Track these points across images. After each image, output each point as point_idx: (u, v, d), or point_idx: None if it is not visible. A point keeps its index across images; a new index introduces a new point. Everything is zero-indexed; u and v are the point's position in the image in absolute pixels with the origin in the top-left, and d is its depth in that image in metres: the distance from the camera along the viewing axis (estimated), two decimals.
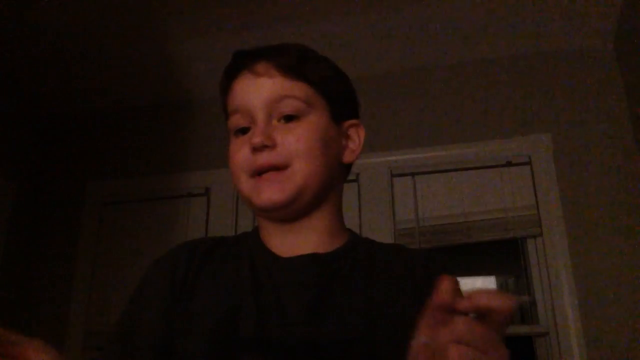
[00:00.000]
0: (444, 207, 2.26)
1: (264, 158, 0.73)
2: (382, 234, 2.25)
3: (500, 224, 2.19)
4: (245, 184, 0.76)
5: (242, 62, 0.79)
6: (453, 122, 2.37)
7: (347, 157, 0.81)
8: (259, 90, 0.76)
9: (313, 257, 0.75)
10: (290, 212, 0.75)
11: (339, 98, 0.81)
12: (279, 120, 0.75)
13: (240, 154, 0.76)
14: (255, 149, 0.73)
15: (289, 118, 0.75)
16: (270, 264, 0.76)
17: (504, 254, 2.28)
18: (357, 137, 0.82)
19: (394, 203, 2.30)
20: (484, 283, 2.45)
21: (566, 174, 2.18)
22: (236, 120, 0.78)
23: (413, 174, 2.33)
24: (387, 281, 0.75)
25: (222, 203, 2.48)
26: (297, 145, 0.73)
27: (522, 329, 2.14)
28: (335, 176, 0.79)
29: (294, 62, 0.77)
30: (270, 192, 0.73)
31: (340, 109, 0.81)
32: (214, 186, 2.51)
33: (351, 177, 2.60)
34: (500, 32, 2.31)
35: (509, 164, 2.25)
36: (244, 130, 0.77)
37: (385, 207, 2.29)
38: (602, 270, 2.02)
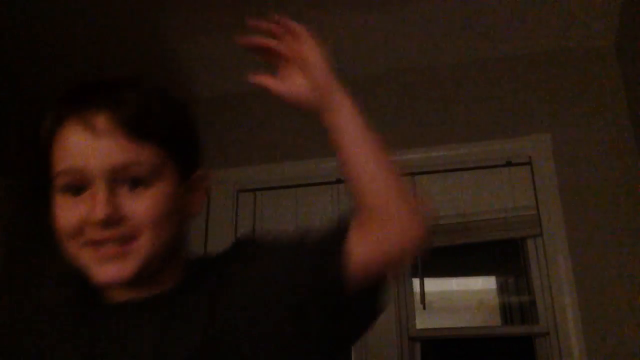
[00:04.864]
0: (444, 207, 2.25)
1: (109, 233, 0.65)
2: None
3: (500, 224, 2.19)
4: (80, 253, 0.67)
5: (76, 107, 0.68)
6: (453, 122, 2.37)
7: (195, 210, 0.75)
8: (99, 154, 0.65)
9: (144, 301, 0.71)
10: (133, 283, 0.69)
11: (187, 155, 0.74)
12: (123, 184, 0.66)
13: (73, 219, 0.66)
14: (98, 224, 0.64)
15: (135, 182, 0.67)
16: (99, 309, 0.72)
17: (504, 254, 2.28)
18: (202, 187, 0.77)
19: None
20: (484, 283, 2.45)
21: (566, 174, 2.18)
22: (67, 181, 0.67)
23: (413, 174, 2.33)
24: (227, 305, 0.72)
25: (222, 203, 2.48)
26: (146, 217, 0.66)
27: (522, 329, 2.14)
28: (182, 232, 0.74)
29: (138, 116, 0.67)
30: (113, 269, 0.65)
31: (189, 167, 0.74)
32: (214, 186, 2.51)
33: None
34: (500, 32, 2.31)
35: (509, 164, 2.25)
36: (75, 189, 0.67)
37: None
38: (602, 270, 2.02)
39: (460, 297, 2.43)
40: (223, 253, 0.79)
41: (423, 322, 2.17)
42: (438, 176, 2.30)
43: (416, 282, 2.20)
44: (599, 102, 2.25)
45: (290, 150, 2.49)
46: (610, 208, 2.09)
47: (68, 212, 0.67)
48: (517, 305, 2.25)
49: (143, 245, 0.67)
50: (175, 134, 0.72)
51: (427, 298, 2.16)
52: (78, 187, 0.67)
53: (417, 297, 2.17)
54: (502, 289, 2.36)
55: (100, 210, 0.64)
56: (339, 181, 2.36)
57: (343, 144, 0.74)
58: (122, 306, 0.70)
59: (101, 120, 0.66)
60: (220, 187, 2.50)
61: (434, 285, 2.29)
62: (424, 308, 2.15)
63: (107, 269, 0.66)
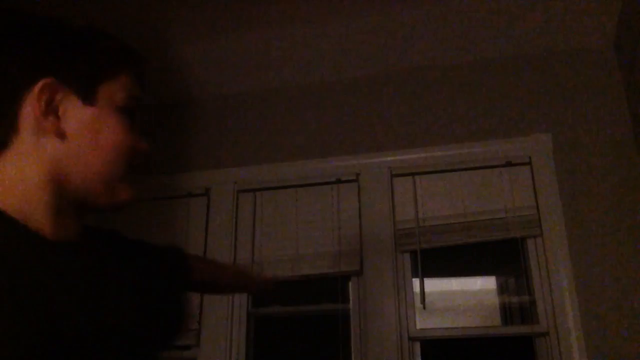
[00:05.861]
0: (444, 207, 2.26)
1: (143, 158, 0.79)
2: (382, 234, 2.25)
3: (500, 224, 2.19)
4: (122, 171, 0.75)
5: (144, 62, 0.86)
6: (453, 122, 2.37)
7: None
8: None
9: (87, 244, 0.75)
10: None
11: None
12: None
13: (128, 140, 0.76)
14: (146, 153, 0.79)
15: None
16: (40, 249, 0.67)
17: (504, 254, 2.28)
18: None
19: (394, 203, 2.30)
20: (484, 283, 2.45)
21: (566, 174, 2.18)
22: (133, 107, 0.78)
23: (413, 174, 2.33)
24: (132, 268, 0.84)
25: (222, 203, 2.48)
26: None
27: (522, 329, 2.14)
28: None
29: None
30: (133, 191, 0.77)
31: None
32: (214, 186, 2.52)
33: (351, 177, 2.59)
34: (500, 32, 2.31)
35: (509, 164, 2.25)
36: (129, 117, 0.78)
37: (385, 207, 2.29)
38: (602, 270, 2.02)
39: (460, 297, 2.43)
40: (115, 233, 0.90)
41: (423, 322, 2.17)
42: (438, 176, 2.31)
43: (416, 282, 2.20)
44: (599, 102, 2.26)
45: (290, 150, 2.49)
46: (610, 208, 2.09)
47: (127, 133, 0.75)
48: (517, 305, 2.25)
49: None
50: None
51: (427, 298, 2.16)
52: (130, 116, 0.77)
53: (417, 297, 2.17)
54: (502, 289, 2.35)
55: (146, 144, 0.78)
56: (338, 181, 2.36)
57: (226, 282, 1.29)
58: (65, 245, 0.71)
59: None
60: (221, 187, 2.50)
61: (434, 285, 2.29)
62: (424, 308, 2.15)
63: (132, 190, 0.77)
